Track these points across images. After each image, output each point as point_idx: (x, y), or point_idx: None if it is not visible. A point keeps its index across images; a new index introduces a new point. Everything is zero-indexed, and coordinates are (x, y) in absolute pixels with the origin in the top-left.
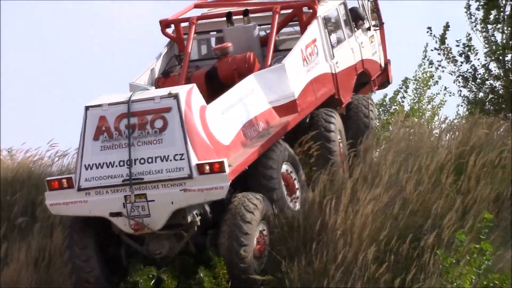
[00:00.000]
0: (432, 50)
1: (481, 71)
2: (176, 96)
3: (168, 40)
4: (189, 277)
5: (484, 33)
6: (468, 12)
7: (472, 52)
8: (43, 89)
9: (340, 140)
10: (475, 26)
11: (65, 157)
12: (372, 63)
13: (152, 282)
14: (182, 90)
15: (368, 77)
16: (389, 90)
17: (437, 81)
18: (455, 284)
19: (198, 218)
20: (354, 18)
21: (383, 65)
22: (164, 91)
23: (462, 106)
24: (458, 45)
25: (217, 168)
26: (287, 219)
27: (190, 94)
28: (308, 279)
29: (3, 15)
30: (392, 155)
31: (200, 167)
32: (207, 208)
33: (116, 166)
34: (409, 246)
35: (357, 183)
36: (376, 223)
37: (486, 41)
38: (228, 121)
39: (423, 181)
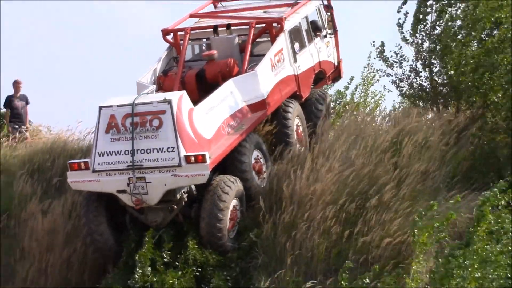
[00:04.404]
0: (374, 58)
1: (409, 72)
2: (169, 102)
3: (168, 44)
4: (180, 239)
5: (414, 43)
6: (400, 29)
7: (403, 60)
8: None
9: (299, 124)
10: (406, 39)
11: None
12: (328, 63)
13: (154, 239)
14: (174, 96)
15: (324, 74)
16: (341, 85)
17: (378, 80)
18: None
19: (185, 195)
20: (314, 29)
21: (336, 64)
22: (161, 96)
23: (398, 101)
24: (392, 55)
25: (200, 159)
26: (258, 191)
27: (181, 99)
28: (280, 228)
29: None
30: (344, 136)
31: (187, 158)
32: (193, 187)
33: (122, 154)
34: (356, 206)
35: (317, 158)
36: (333, 189)
37: (415, 49)
38: (210, 119)
39: (368, 157)
